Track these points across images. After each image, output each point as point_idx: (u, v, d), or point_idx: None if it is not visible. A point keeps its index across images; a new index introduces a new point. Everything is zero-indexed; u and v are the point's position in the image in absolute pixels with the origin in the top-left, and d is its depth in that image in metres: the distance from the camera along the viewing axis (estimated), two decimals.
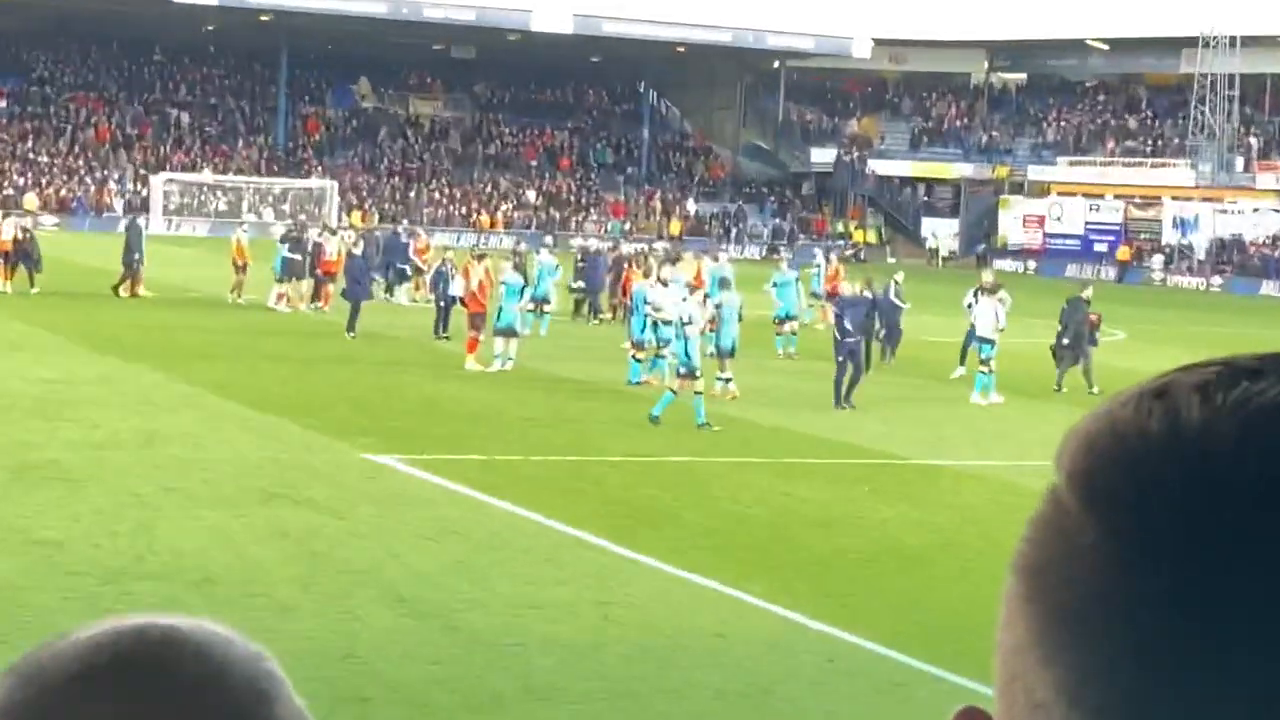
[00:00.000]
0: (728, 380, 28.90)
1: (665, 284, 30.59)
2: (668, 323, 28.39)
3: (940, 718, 0.95)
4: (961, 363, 33.99)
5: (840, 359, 28.35)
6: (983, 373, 30.55)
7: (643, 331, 30.70)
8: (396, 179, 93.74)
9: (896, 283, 36.98)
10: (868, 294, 31.97)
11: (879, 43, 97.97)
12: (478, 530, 17.07)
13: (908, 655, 13.25)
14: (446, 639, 13.07)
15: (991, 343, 30.76)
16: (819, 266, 47.13)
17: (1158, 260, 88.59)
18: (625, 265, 42.06)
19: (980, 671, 12.59)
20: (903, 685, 12.89)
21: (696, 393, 25.42)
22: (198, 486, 18.54)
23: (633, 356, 30.76)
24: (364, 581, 14.60)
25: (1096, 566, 0.89)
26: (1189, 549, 0.87)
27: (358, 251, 38.95)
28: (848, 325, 28.60)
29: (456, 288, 35.27)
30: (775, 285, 38.52)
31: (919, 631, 13.95)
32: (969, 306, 34.49)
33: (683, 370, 25.60)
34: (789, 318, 37.67)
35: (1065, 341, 33.41)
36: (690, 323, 25.86)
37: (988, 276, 35.55)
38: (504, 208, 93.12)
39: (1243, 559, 0.86)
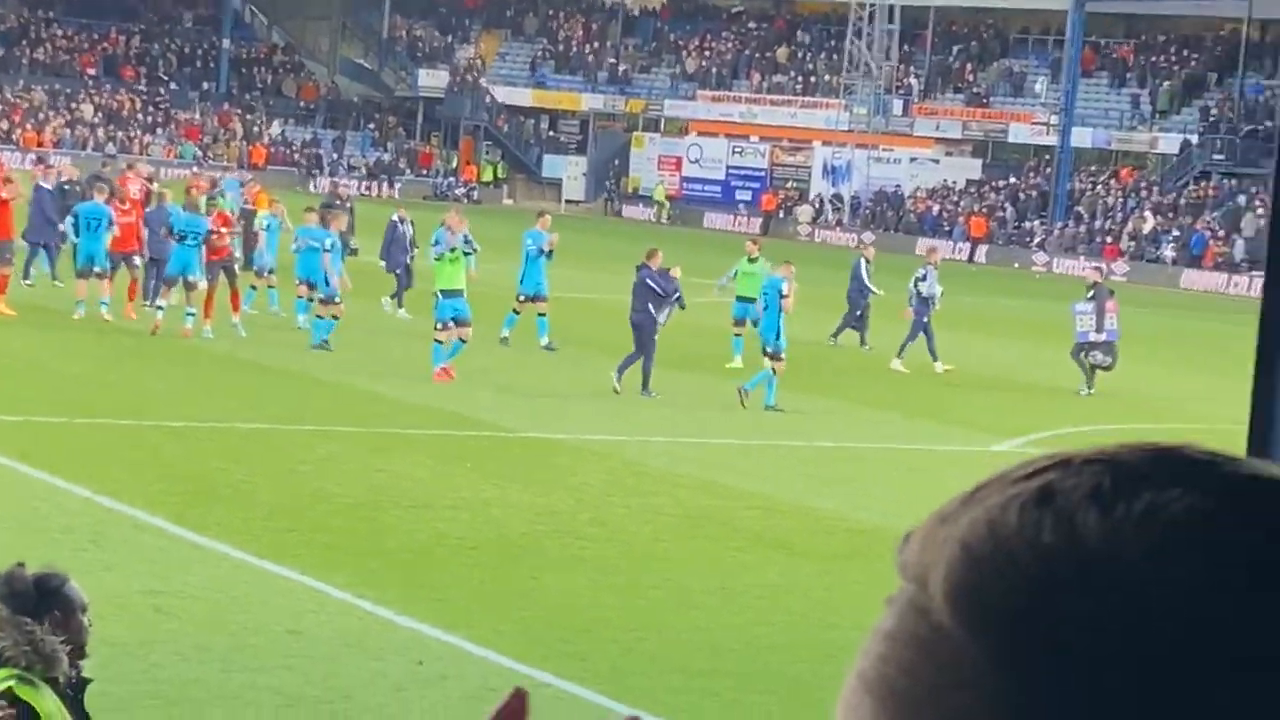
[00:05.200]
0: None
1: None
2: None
3: None
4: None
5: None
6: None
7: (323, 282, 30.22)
8: None
9: (867, 260, 36.65)
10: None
11: None
12: (9, 505, 16.67)
13: (508, 657, 13.38)
14: None
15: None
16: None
17: (805, 211, 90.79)
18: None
19: (589, 675, 12.80)
20: (499, 691, 12.88)
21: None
22: None
23: (317, 315, 30.24)
24: None
25: (990, 701, 0.88)
26: (1101, 693, 0.86)
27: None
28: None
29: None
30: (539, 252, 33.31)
31: (522, 630, 14.11)
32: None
33: (769, 349, 27.48)
34: (537, 296, 32.95)
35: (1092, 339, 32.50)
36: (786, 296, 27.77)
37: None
38: (54, 124, 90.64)
39: (1166, 704, 0.86)
